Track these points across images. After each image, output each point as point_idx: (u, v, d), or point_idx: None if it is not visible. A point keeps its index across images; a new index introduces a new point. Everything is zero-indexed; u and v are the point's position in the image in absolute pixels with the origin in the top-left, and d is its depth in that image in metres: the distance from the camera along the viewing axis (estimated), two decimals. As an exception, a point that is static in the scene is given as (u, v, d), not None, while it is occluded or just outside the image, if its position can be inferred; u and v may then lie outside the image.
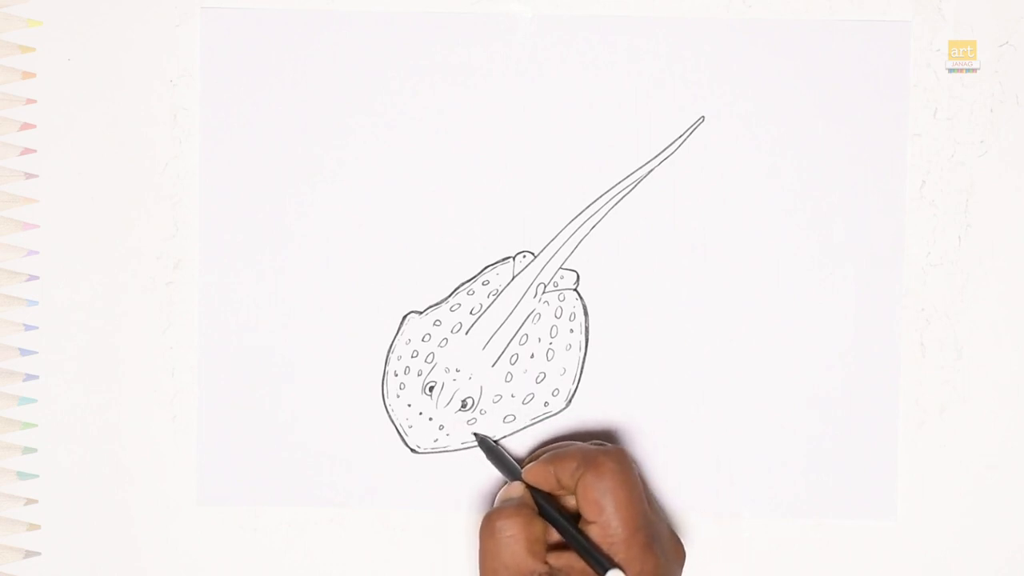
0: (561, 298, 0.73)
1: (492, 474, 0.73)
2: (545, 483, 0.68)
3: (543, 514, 0.67)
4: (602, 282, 0.73)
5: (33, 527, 0.73)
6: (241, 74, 0.73)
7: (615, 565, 0.64)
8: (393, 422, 0.73)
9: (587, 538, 0.65)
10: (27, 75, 0.73)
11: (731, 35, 0.73)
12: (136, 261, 0.73)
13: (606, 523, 0.65)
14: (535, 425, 0.73)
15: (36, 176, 0.73)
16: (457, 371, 0.73)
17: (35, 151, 0.73)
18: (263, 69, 0.73)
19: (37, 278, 0.73)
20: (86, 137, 0.73)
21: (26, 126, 0.73)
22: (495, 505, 0.69)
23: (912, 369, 0.73)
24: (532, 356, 0.73)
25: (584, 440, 0.72)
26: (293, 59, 0.73)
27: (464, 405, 0.73)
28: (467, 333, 0.73)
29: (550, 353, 0.73)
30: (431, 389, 0.73)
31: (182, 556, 0.74)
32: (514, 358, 0.73)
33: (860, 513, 0.73)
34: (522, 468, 0.69)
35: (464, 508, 0.73)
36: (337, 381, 0.73)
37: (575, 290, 0.73)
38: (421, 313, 0.73)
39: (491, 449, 0.72)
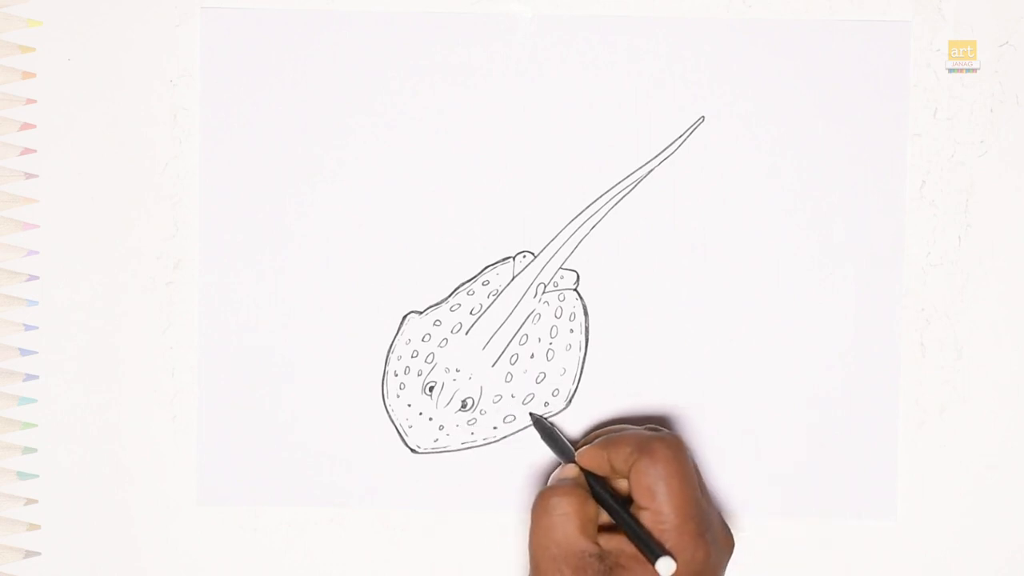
0: (561, 298, 0.73)
1: (493, 474, 0.73)
2: (599, 467, 0.68)
3: (596, 497, 0.67)
4: (602, 282, 0.73)
5: (33, 527, 0.73)
6: (241, 74, 0.73)
7: (666, 552, 0.63)
8: (393, 422, 0.73)
9: (639, 524, 0.65)
10: (27, 75, 0.73)
11: (731, 35, 0.73)
12: (136, 261, 0.73)
13: (658, 510, 0.64)
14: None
15: (36, 176, 0.73)
16: (457, 371, 0.73)
17: (35, 151, 0.73)
18: (263, 69, 0.73)
19: (37, 278, 0.73)
20: (86, 137, 0.73)
21: (26, 126, 0.73)
22: (549, 485, 0.69)
23: (912, 369, 0.73)
24: (532, 356, 0.73)
25: (639, 423, 0.71)
26: (293, 59, 0.73)
27: (464, 405, 0.73)
28: (467, 333, 0.73)
29: (550, 353, 0.73)
30: (431, 389, 0.73)
31: (182, 556, 0.74)
32: (514, 358, 0.73)
33: (860, 513, 0.73)
34: (576, 451, 0.69)
35: (464, 508, 0.73)
36: (337, 381, 0.73)
37: (575, 290, 0.73)
38: (421, 313, 0.73)
39: (546, 430, 0.72)
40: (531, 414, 0.73)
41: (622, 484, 0.68)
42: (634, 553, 0.64)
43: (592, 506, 0.66)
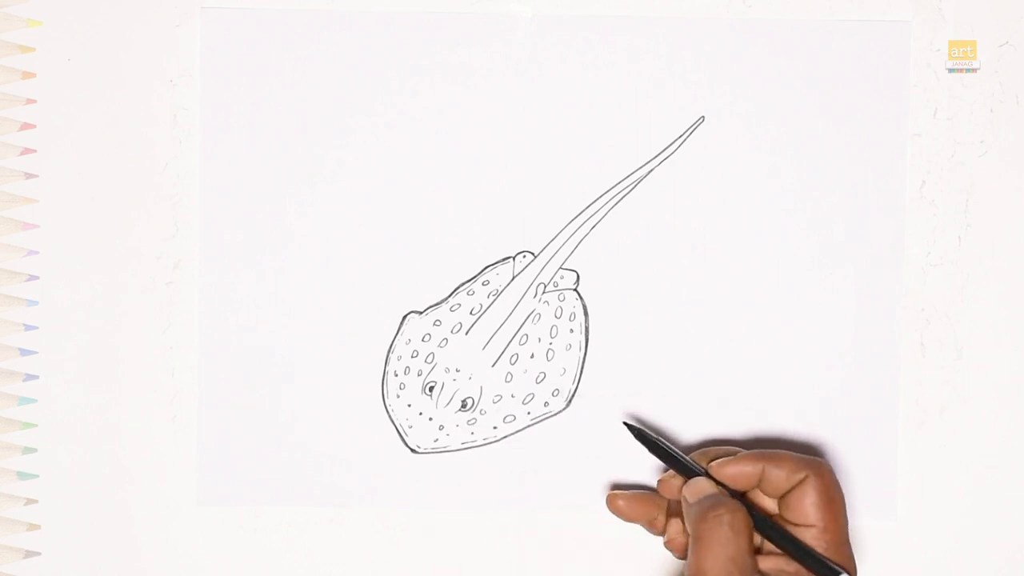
0: (561, 298, 0.73)
1: (493, 474, 0.73)
2: (741, 481, 0.66)
3: (754, 516, 0.66)
4: (602, 282, 0.73)
5: (33, 527, 0.73)
6: (241, 74, 0.73)
7: (845, 569, 0.64)
8: (393, 422, 0.73)
9: (804, 543, 0.65)
10: (27, 75, 0.73)
11: (731, 35, 0.73)
12: (136, 261, 0.73)
13: (824, 528, 0.65)
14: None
15: (36, 176, 0.73)
16: (457, 371, 0.73)
17: (35, 151, 0.73)
18: (263, 69, 0.73)
19: (37, 278, 0.73)
20: (86, 137, 0.73)
21: (26, 126, 0.73)
22: (692, 501, 0.66)
23: (912, 369, 0.73)
24: (532, 356, 0.73)
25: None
26: (293, 59, 0.73)
27: (464, 405, 0.73)
28: (467, 333, 0.73)
29: (550, 353, 0.73)
30: (431, 389, 0.73)
31: (182, 556, 0.74)
32: (514, 358, 0.73)
33: (860, 513, 0.73)
34: (709, 464, 0.67)
35: (464, 508, 0.73)
36: (337, 381, 0.73)
37: (575, 290, 0.73)
38: (421, 313, 0.73)
39: (654, 445, 0.69)
40: (628, 425, 0.70)
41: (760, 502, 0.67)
42: (796, 571, 0.65)
43: (752, 525, 0.66)
